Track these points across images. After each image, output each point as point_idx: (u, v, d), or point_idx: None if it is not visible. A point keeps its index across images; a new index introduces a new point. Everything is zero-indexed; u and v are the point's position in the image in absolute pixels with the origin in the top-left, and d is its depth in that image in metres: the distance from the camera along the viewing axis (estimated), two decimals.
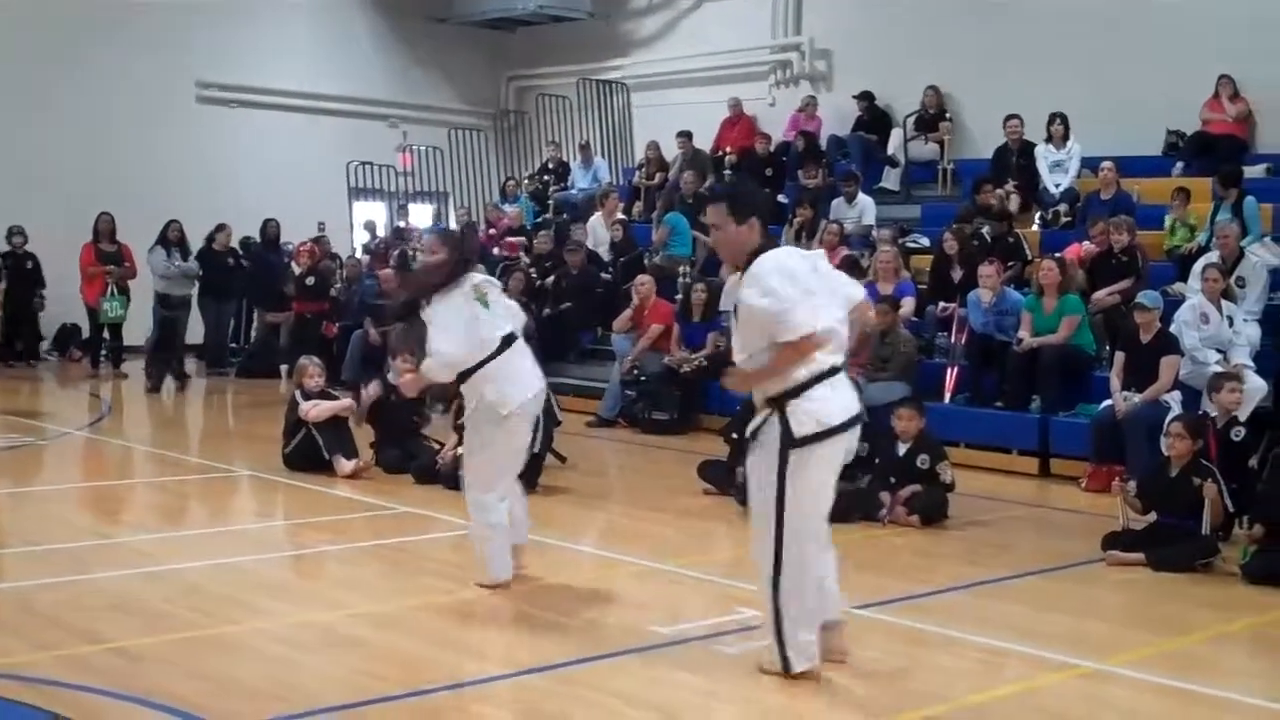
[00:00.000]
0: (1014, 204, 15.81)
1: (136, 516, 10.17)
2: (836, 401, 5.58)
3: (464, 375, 7.28)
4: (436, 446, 11.33)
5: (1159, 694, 6.06)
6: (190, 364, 19.17)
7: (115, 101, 21.11)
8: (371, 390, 11.35)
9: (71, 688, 5.63)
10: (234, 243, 19.90)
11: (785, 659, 5.42)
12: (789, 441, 5.45)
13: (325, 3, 24.03)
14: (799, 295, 5.46)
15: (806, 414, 5.49)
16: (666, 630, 6.52)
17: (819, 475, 5.58)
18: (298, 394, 11.55)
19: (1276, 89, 15.70)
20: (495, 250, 19.64)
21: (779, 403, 5.50)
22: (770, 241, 5.67)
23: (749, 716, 5.36)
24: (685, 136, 20.03)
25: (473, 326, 7.22)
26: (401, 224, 21.63)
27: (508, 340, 7.35)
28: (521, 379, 7.43)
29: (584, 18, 24.15)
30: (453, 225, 22.19)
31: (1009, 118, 16.44)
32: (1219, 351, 11.58)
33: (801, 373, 5.48)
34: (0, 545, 8.66)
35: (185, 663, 6.08)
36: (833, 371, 5.59)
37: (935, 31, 19.07)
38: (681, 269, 16.94)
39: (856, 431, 5.73)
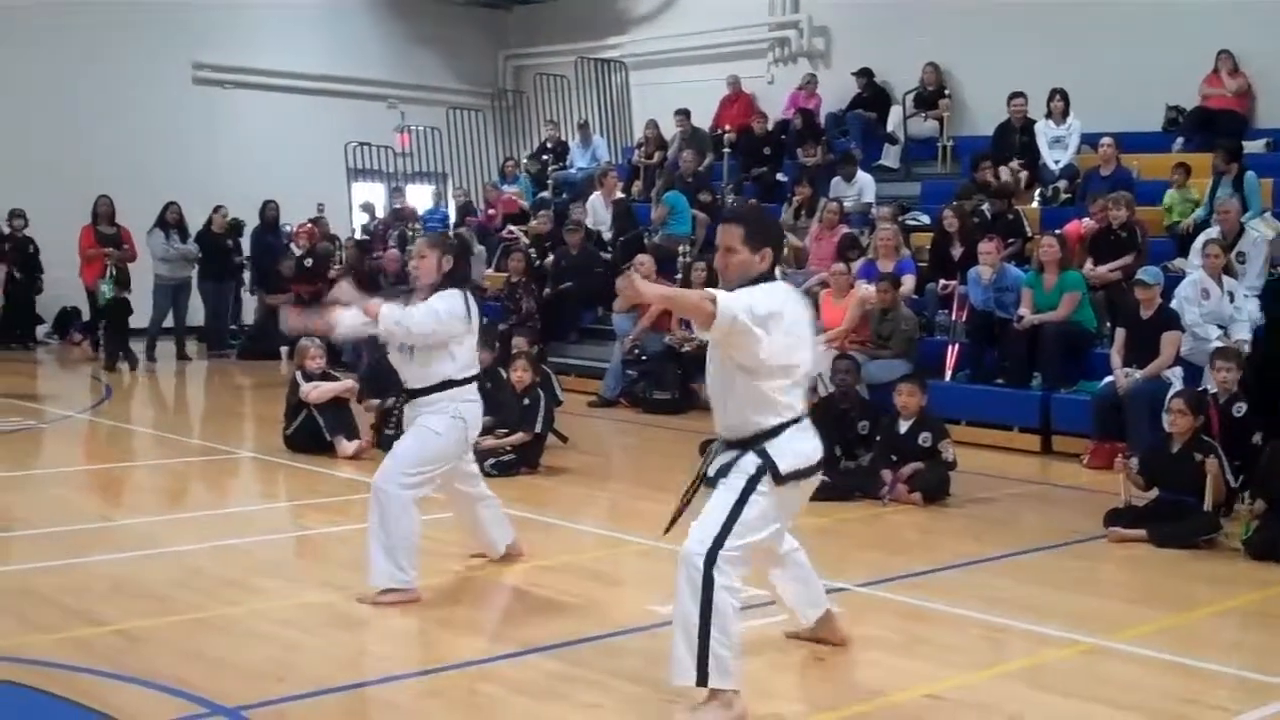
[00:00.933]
0: (1021, 181, 15.77)
1: (138, 499, 10.17)
2: (810, 443, 5.49)
3: (449, 385, 7.05)
4: None
5: (1161, 669, 6.06)
6: (191, 346, 19.19)
7: (112, 83, 21.07)
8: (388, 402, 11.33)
9: (72, 669, 5.63)
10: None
11: (703, 669, 5.25)
12: (774, 475, 5.33)
13: None
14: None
15: (790, 452, 5.37)
16: (669, 610, 6.50)
17: (772, 514, 5.39)
18: (299, 375, 11.54)
19: (1276, 64, 15.67)
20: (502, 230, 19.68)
21: (754, 444, 5.39)
22: (773, 273, 5.55)
23: (750, 695, 5.35)
24: (683, 115, 19.96)
25: (462, 342, 7.08)
26: (398, 205, 21.59)
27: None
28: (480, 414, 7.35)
29: None
30: (451, 207, 22.18)
31: (1014, 96, 16.37)
32: (1220, 327, 11.57)
33: (773, 420, 5.37)
34: (1, 529, 8.66)
35: (187, 644, 6.08)
36: (802, 419, 5.49)
37: (934, 8, 19.01)
38: (681, 248, 16.92)
39: (815, 481, 5.59)
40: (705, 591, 5.14)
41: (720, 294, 5.17)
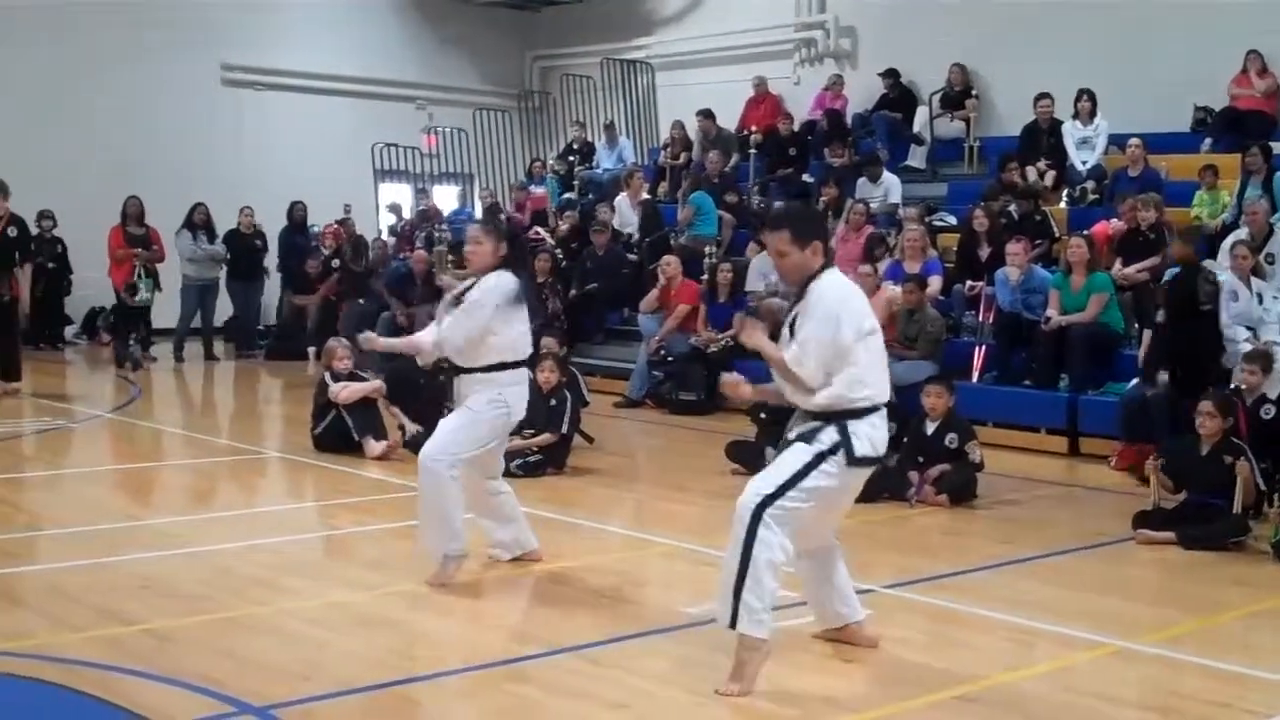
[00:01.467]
0: (1049, 181, 15.74)
1: (166, 498, 10.22)
2: (883, 435, 5.66)
3: (496, 367, 7.17)
4: None
5: (1189, 672, 6.04)
6: (219, 346, 19.28)
7: (141, 85, 21.16)
8: (410, 429, 11.33)
9: (102, 668, 5.66)
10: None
11: (734, 614, 5.41)
12: (848, 455, 5.48)
13: None
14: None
15: (867, 438, 5.54)
16: (695, 610, 6.51)
17: (827, 493, 5.54)
18: (327, 376, 11.57)
19: None
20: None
21: (838, 419, 5.51)
22: (830, 259, 5.66)
23: (776, 696, 5.36)
24: (705, 115, 19.87)
25: (509, 324, 7.17)
26: (424, 206, 21.64)
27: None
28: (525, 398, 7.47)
29: None
30: (478, 208, 22.22)
31: (1040, 97, 16.31)
32: (1248, 329, 11.51)
33: (865, 395, 5.53)
34: (32, 528, 8.73)
35: (215, 643, 6.11)
36: (881, 408, 5.66)
37: (960, 9, 18.94)
38: (707, 249, 16.91)
39: (868, 473, 5.80)
40: (747, 541, 5.39)
41: (804, 370, 5.45)
